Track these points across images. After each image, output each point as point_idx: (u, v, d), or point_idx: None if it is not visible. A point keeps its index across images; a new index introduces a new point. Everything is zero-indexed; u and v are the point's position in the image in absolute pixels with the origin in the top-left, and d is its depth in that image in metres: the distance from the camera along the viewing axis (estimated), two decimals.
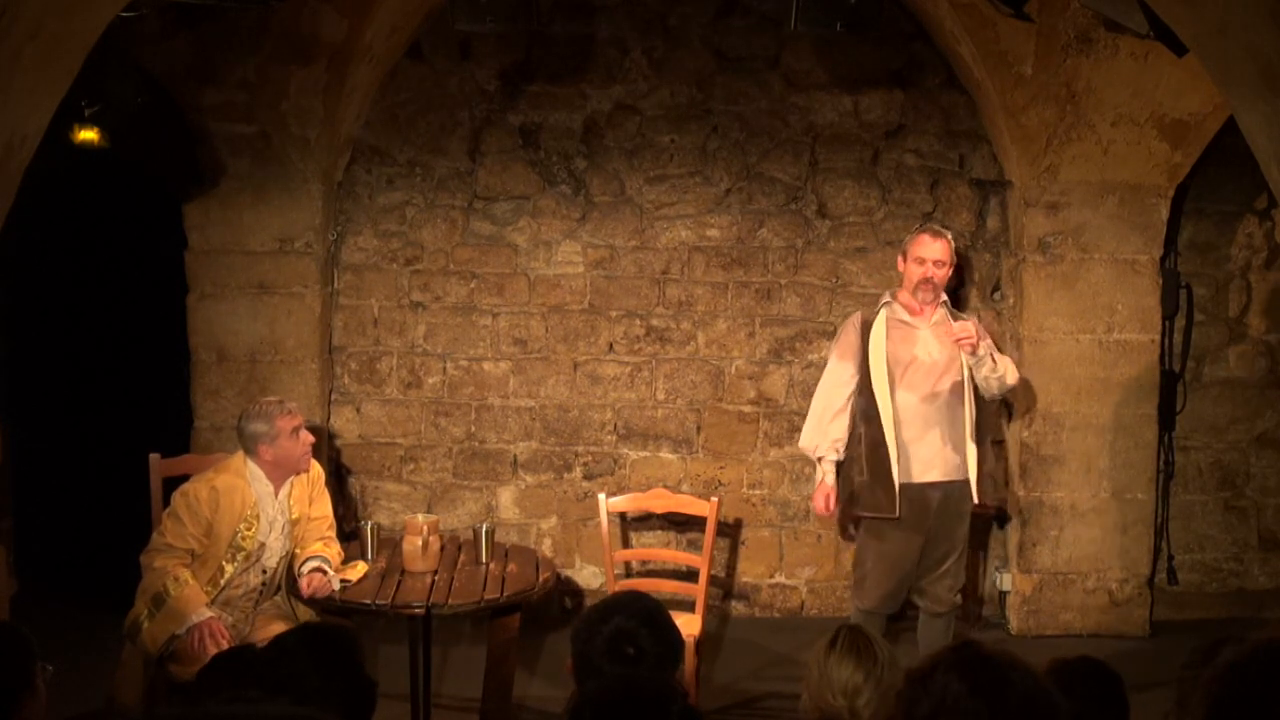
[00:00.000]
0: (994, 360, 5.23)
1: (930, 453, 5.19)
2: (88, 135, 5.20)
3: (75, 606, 6.13)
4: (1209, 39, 3.66)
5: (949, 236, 5.35)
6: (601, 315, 6.49)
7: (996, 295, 6.51)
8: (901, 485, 5.15)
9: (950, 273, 5.35)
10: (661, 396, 6.52)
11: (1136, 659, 5.55)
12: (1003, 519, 6.40)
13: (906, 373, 5.21)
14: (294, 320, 6.21)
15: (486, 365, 6.51)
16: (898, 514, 5.16)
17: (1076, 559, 6.31)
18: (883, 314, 5.30)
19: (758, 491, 6.53)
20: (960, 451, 5.21)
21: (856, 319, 5.41)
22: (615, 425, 6.52)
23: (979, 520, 6.40)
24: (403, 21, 6.10)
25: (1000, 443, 6.36)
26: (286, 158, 6.05)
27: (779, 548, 6.57)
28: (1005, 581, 6.43)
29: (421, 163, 6.44)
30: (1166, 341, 6.41)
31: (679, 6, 6.39)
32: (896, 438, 5.16)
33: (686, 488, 6.42)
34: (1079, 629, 6.30)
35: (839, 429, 5.28)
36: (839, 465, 5.35)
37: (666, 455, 6.53)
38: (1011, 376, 5.32)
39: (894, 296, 5.36)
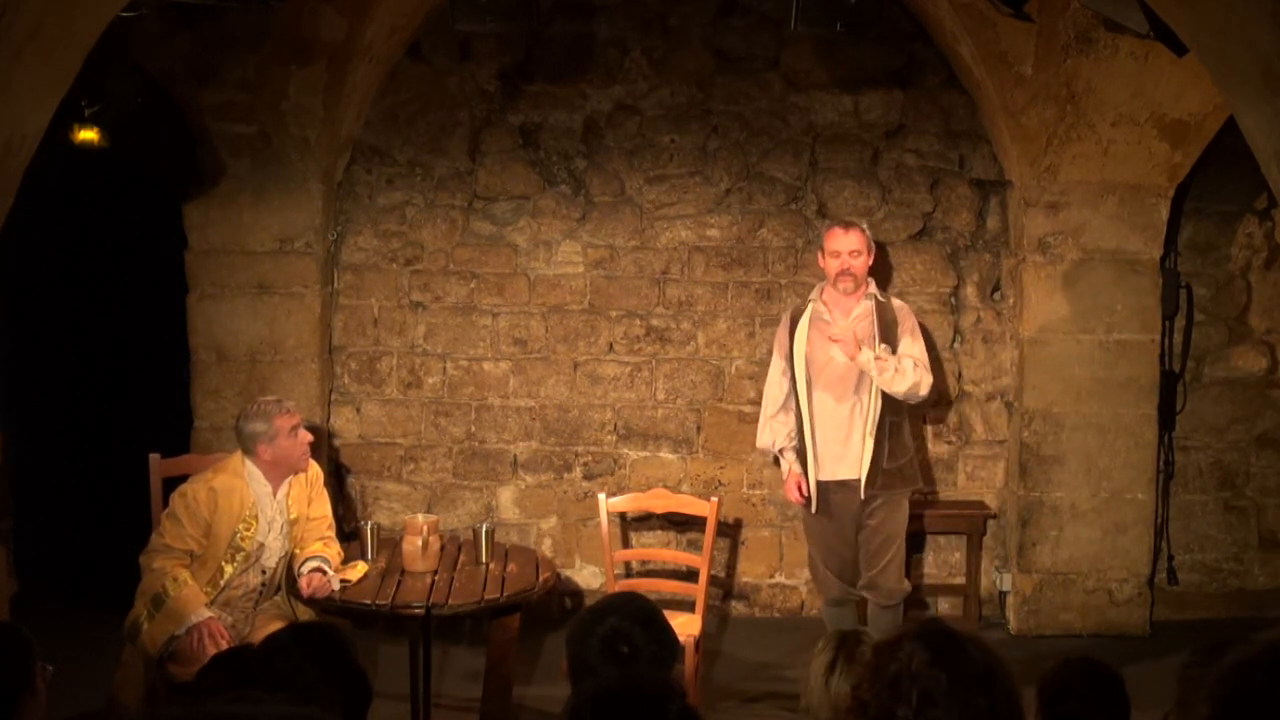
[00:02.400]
0: (896, 370, 5.20)
1: (844, 451, 5.31)
2: (88, 135, 5.18)
3: (75, 606, 6.14)
4: (1209, 39, 3.67)
5: (863, 226, 5.43)
6: (601, 315, 6.50)
7: (996, 295, 6.51)
8: (819, 482, 5.32)
9: (869, 261, 5.40)
10: (661, 396, 6.52)
11: (1136, 659, 5.55)
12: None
13: (823, 373, 5.33)
14: (294, 320, 6.21)
15: (486, 365, 6.51)
16: (814, 509, 5.34)
17: (1076, 559, 6.31)
18: (808, 311, 5.41)
19: (758, 491, 6.53)
20: (872, 448, 5.28)
21: (788, 315, 5.54)
22: (615, 425, 6.52)
23: (978, 520, 6.42)
24: (403, 21, 6.10)
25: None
26: (286, 158, 6.05)
27: (779, 548, 6.57)
28: (1005, 581, 6.43)
29: (421, 163, 6.45)
30: (1166, 341, 6.41)
31: (679, 6, 6.39)
32: (813, 437, 5.32)
33: (686, 488, 6.42)
34: (1079, 629, 6.30)
35: (787, 420, 5.44)
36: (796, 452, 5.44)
37: (666, 455, 6.53)
38: (901, 385, 5.20)
39: (821, 292, 5.45)
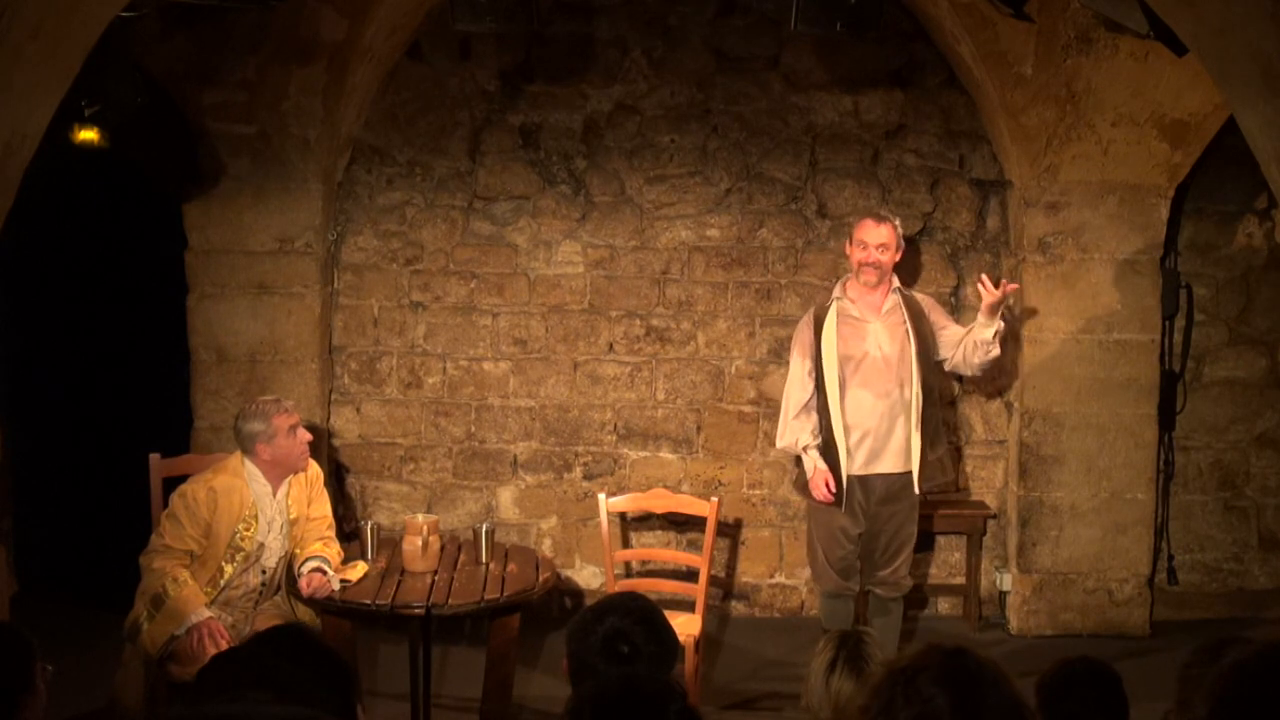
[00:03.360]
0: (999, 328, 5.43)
1: (879, 446, 5.33)
2: (88, 135, 5.18)
3: (75, 606, 6.13)
4: (1209, 39, 3.66)
5: (894, 221, 5.45)
6: (601, 315, 6.49)
7: None
8: (849, 477, 5.33)
9: (897, 257, 5.44)
10: (661, 396, 6.52)
11: (1136, 659, 5.55)
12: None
13: (859, 370, 5.34)
14: (294, 320, 6.21)
15: (486, 365, 6.51)
16: (843, 506, 5.35)
17: (1076, 559, 6.31)
18: (833, 309, 5.41)
19: (758, 491, 6.53)
20: (908, 443, 5.34)
21: (809, 315, 5.54)
22: (615, 425, 6.52)
23: (978, 520, 6.42)
24: (403, 21, 6.10)
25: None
26: (286, 158, 6.05)
27: (779, 548, 6.57)
28: (1005, 581, 6.43)
29: (421, 163, 6.45)
30: (1166, 341, 6.41)
31: (679, 6, 6.39)
32: (846, 433, 5.32)
33: (686, 488, 6.42)
34: (1079, 629, 6.30)
35: (809, 421, 5.43)
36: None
37: (666, 455, 6.52)
38: (997, 350, 5.49)
39: (844, 288, 5.45)
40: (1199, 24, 3.67)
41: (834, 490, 5.33)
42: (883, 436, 5.31)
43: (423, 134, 6.43)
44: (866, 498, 5.36)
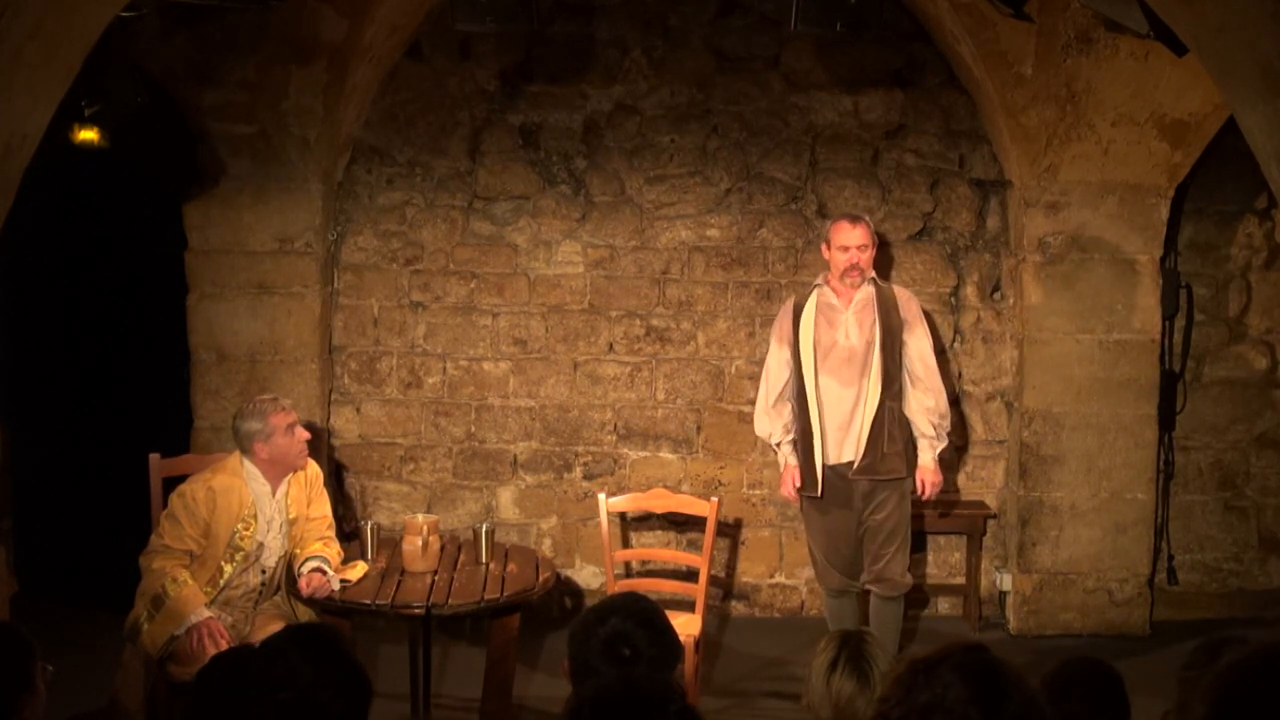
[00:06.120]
0: (938, 432, 5.45)
1: (848, 434, 5.34)
2: (88, 135, 5.18)
3: (75, 606, 6.14)
4: (1209, 39, 3.66)
5: (867, 220, 5.46)
6: (601, 315, 6.50)
7: (996, 295, 6.51)
8: (825, 466, 5.34)
9: (874, 253, 5.44)
10: (661, 396, 6.52)
11: (1136, 659, 5.55)
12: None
13: (828, 357, 5.37)
14: (294, 320, 6.21)
15: (486, 365, 6.51)
16: (819, 493, 5.36)
17: (1076, 559, 6.31)
18: (814, 296, 5.44)
19: (758, 491, 6.53)
20: (869, 430, 5.33)
21: (790, 303, 5.56)
22: (615, 425, 6.52)
23: (978, 520, 6.42)
24: (403, 21, 6.10)
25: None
26: (286, 158, 6.05)
27: (779, 548, 6.57)
28: (1005, 581, 6.43)
29: (421, 163, 6.45)
30: (1166, 341, 6.41)
31: (679, 6, 6.39)
32: (820, 420, 5.34)
33: (686, 488, 6.42)
34: (1079, 629, 6.30)
35: (785, 412, 5.46)
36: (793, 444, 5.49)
37: (666, 455, 6.53)
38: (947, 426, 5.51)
39: (825, 280, 5.48)
40: (1199, 24, 3.67)
41: (799, 486, 5.38)
42: (847, 426, 5.33)
43: (423, 134, 6.43)
44: (850, 486, 5.35)
